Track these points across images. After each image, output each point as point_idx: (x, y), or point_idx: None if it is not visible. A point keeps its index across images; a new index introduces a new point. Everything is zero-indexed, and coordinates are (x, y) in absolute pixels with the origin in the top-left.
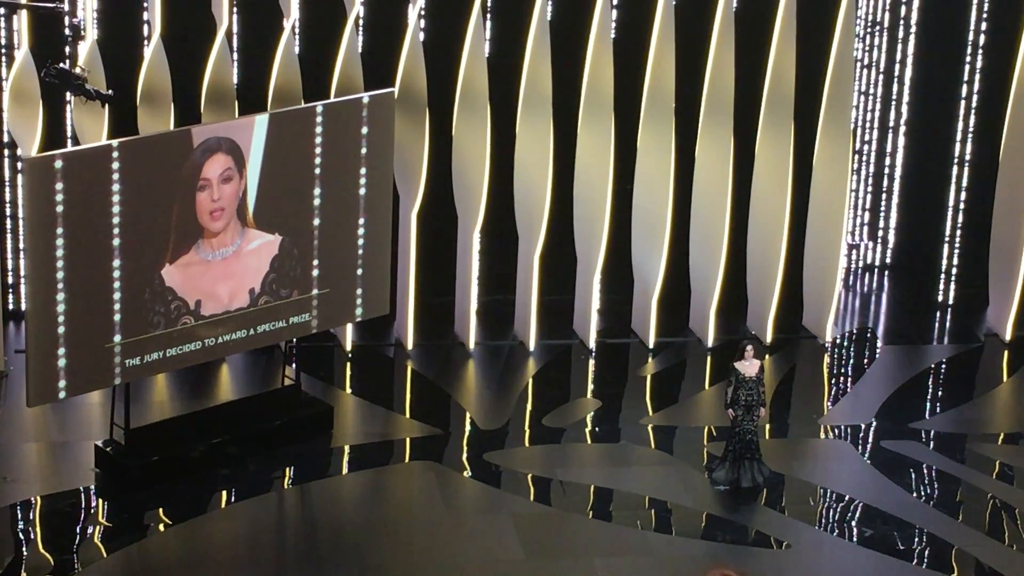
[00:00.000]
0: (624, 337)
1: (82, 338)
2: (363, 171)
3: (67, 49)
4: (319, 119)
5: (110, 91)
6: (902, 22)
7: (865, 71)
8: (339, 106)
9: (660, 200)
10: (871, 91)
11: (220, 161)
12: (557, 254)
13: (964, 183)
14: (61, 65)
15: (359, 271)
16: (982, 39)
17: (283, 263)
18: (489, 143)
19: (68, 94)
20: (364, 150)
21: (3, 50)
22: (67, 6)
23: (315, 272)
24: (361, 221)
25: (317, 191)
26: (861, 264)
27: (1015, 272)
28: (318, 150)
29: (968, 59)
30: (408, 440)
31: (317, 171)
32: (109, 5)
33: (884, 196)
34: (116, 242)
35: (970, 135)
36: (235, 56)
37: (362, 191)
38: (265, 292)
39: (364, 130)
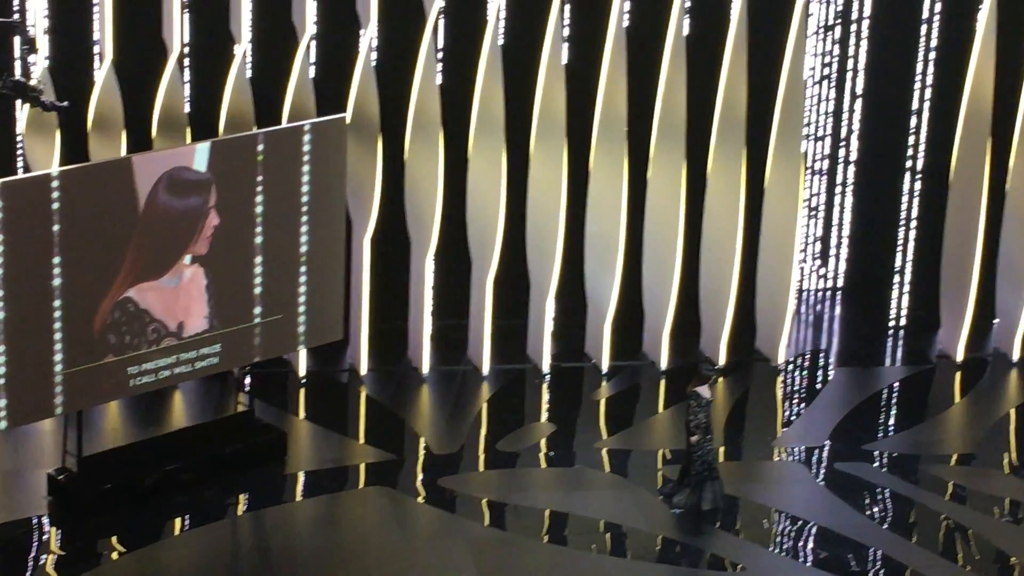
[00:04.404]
0: (578, 361)
1: (22, 368)
2: (312, 198)
3: (19, 64)
4: (260, 147)
5: (65, 102)
6: (853, 36)
7: (816, 87)
8: (282, 133)
9: (612, 224)
10: (824, 109)
11: (201, 191)
12: (510, 278)
13: (914, 211)
14: (17, 77)
15: (311, 297)
16: (932, 55)
17: (234, 291)
18: (442, 168)
19: (20, 118)
20: (313, 177)
21: None
22: (18, 19)
23: (266, 299)
24: (311, 247)
25: (265, 218)
26: (813, 286)
27: (966, 293)
28: (260, 178)
29: (919, 76)
30: (362, 466)
31: (263, 198)
32: (59, 29)
33: (836, 219)
34: (57, 271)
35: (920, 157)
36: (187, 82)
37: (313, 217)
38: (216, 319)
39: (311, 156)
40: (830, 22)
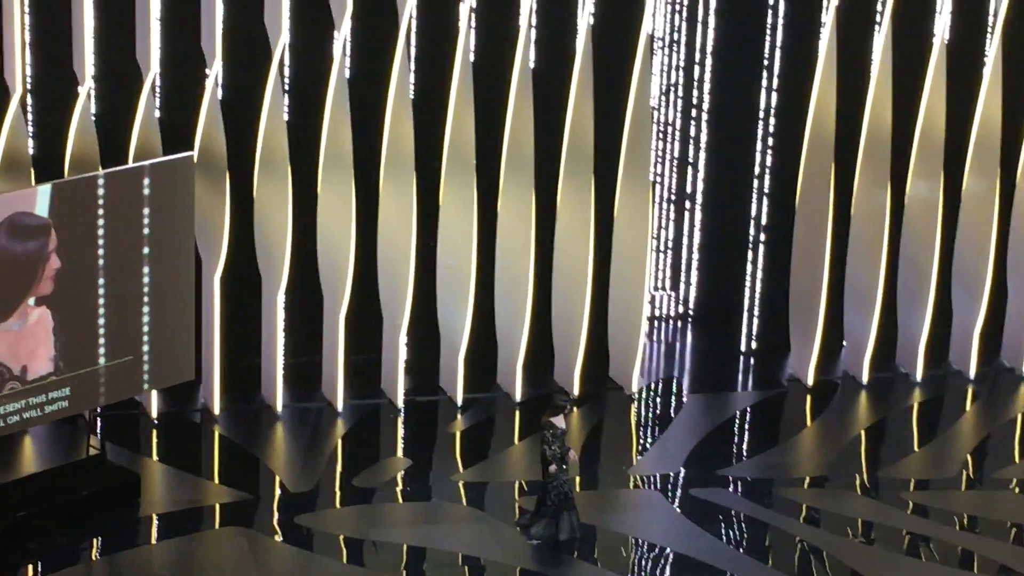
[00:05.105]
0: (432, 394)
1: None
2: (159, 237)
3: None
4: (101, 190)
5: None
6: (697, 66)
7: (663, 115)
8: (124, 173)
9: (463, 256)
10: (671, 136)
11: (40, 236)
12: (362, 313)
13: (762, 237)
14: None
15: (160, 338)
16: (775, 82)
17: (80, 333)
18: (291, 204)
19: None
20: (158, 216)
21: None
22: None
23: (112, 341)
24: (159, 287)
25: (108, 260)
26: (664, 313)
27: (814, 317)
28: (102, 221)
29: (763, 103)
30: (218, 506)
31: (105, 240)
32: None
33: (686, 247)
34: None
35: (767, 182)
36: (31, 123)
37: (159, 257)
38: (62, 362)
39: (156, 195)
40: (674, 50)
